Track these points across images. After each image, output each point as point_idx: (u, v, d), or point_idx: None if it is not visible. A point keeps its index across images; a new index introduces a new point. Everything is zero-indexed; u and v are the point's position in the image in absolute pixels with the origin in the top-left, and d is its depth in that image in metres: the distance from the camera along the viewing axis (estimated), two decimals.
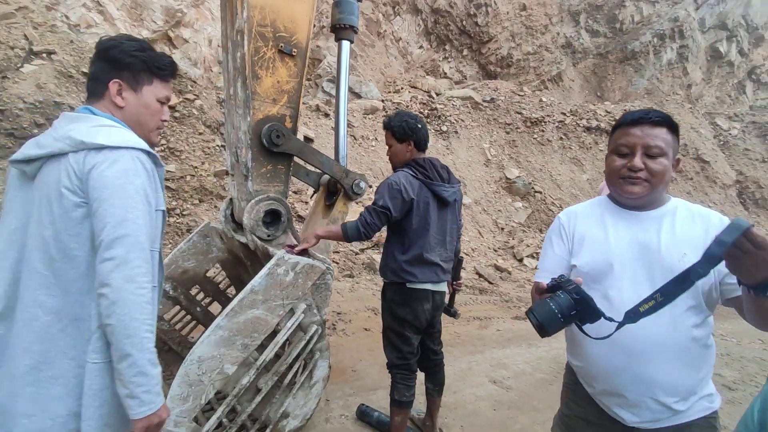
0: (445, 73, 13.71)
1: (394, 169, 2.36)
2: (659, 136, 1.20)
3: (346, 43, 2.54)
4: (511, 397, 2.99)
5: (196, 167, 5.74)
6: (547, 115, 10.12)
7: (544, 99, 10.72)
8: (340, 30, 2.51)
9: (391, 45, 13.42)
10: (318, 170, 2.50)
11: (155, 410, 1.07)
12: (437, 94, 11.43)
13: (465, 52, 13.89)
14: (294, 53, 2.18)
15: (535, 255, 7.15)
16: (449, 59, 13.96)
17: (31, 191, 1.12)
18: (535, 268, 6.90)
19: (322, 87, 10.34)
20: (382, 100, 9.57)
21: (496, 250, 7.16)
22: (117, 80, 1.19)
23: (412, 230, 2.18)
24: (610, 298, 1.19)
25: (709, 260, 0.89)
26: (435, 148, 8.39)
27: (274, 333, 1.92)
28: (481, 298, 5.35)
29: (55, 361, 1.06)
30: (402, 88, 11.98)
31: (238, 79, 2.11)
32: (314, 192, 2.75)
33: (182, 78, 6.61)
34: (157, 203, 1.16)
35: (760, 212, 10.57)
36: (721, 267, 0.95)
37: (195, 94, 6.48)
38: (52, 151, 1.09)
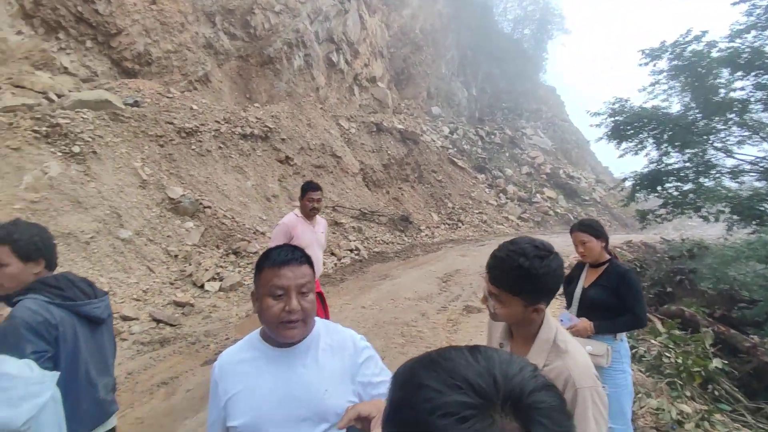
0: (66, 68, 11.16)
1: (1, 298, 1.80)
2: (307, 274, 1.30)
3: None
4: None
5: None
6: (202, 125, 9.97)
7: (194, 106, 10.45)
8: None
9: None
10: None
11: None
12: (59, 96, 9.25)
13: (89, 44, 11.65)
14: None
15: (216, 276, 7.15)
16: (68, 51, 11.40)
17: None
18: (219, 290, 6.95)
19: None
20: None
21: (173, 283, 6.71)
22: None
23: (61, 376, 1.77)
24: None
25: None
26: (67, 177, 6.84)
27: None
28: (163, 352, 4.93)
29: None
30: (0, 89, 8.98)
31: None
32: None
33: None
34: None
35: (378, 191, 14.22)
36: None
37: None
38: None
